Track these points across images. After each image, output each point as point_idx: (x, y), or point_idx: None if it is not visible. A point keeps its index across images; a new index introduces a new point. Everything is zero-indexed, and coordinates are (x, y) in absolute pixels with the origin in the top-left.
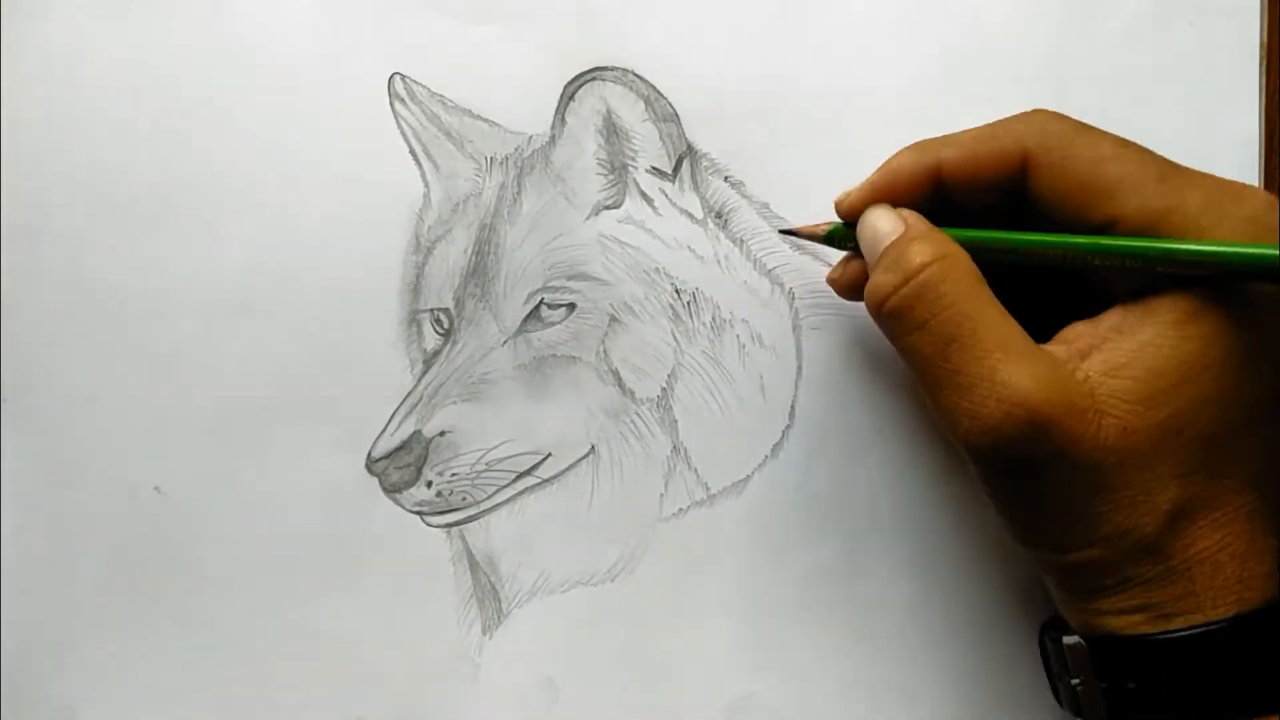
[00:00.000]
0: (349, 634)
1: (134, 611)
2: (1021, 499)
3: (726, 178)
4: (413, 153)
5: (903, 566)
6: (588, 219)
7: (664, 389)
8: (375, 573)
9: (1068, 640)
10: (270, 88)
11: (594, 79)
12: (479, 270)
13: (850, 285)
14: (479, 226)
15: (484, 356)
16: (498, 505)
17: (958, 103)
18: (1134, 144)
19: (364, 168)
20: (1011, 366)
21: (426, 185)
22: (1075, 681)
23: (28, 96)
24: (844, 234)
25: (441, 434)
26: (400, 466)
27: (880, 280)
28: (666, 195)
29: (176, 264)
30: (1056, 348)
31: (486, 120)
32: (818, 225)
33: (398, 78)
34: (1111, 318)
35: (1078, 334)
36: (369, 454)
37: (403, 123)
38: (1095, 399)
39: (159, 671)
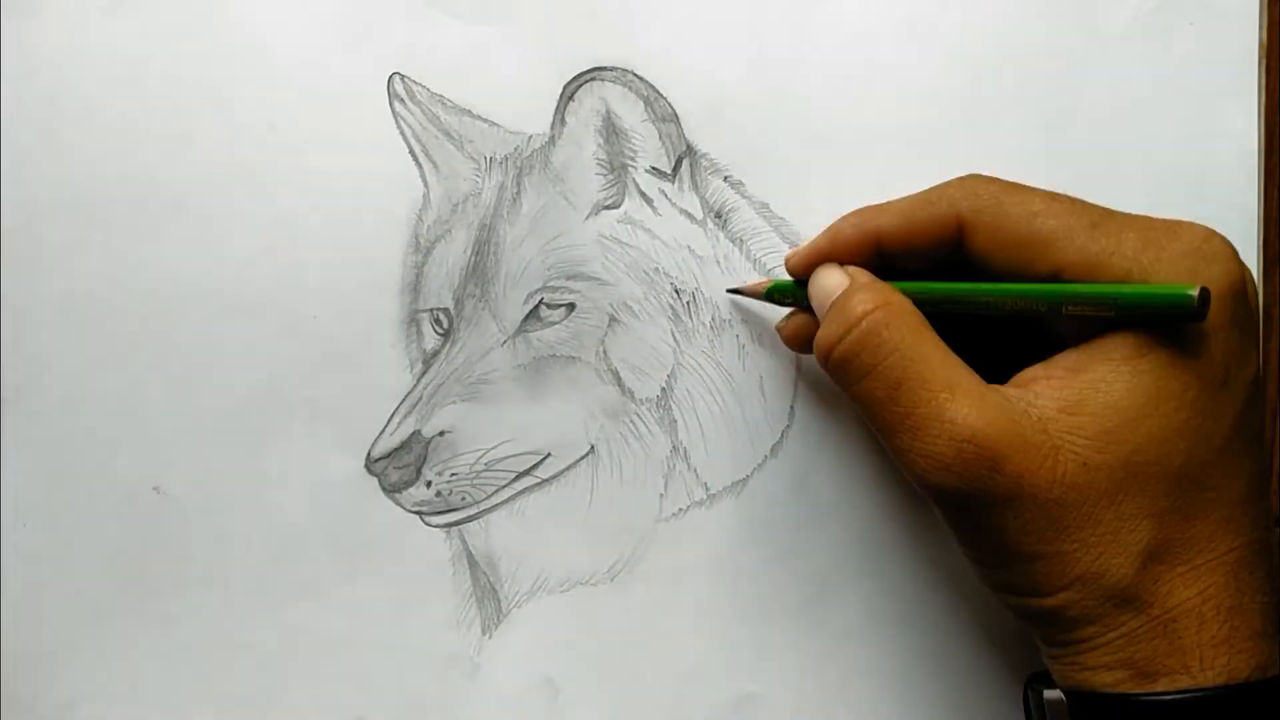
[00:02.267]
0: (348, 634)
1: (132, 611)
2: (986, 540)
3: (726, 178)
4: (412, 153)
5: (903, 568)
6: (587, 219)
7: (663, 389)
8: (374, 573)
9: (1048, 695)
10: (270, 87)
11: (593, 79)
12: (478, 270)
13: (795, 336)
14: (478, 226)
15: (483, 356)
16: (497, 505)
17: (957, 103)
18: (1064, 196)
19: (363, 167)
20: (959, 404)
21: (426, 185)
22: None
23: (26, 93)
24: (784, 290)
25: (441, 434)
26: (400, 466)
27: (826, 332)
28: (666, 195)
29: (176, 263)
30: (1009, 389)
31: (486, 120)
32: (759, 283)
33: (397, 78)
34: (1065, 359)
35: (1031, 376)
36: (368, 454)
37: (402, 123)
38: (1050, 435)
39: (157, 671)
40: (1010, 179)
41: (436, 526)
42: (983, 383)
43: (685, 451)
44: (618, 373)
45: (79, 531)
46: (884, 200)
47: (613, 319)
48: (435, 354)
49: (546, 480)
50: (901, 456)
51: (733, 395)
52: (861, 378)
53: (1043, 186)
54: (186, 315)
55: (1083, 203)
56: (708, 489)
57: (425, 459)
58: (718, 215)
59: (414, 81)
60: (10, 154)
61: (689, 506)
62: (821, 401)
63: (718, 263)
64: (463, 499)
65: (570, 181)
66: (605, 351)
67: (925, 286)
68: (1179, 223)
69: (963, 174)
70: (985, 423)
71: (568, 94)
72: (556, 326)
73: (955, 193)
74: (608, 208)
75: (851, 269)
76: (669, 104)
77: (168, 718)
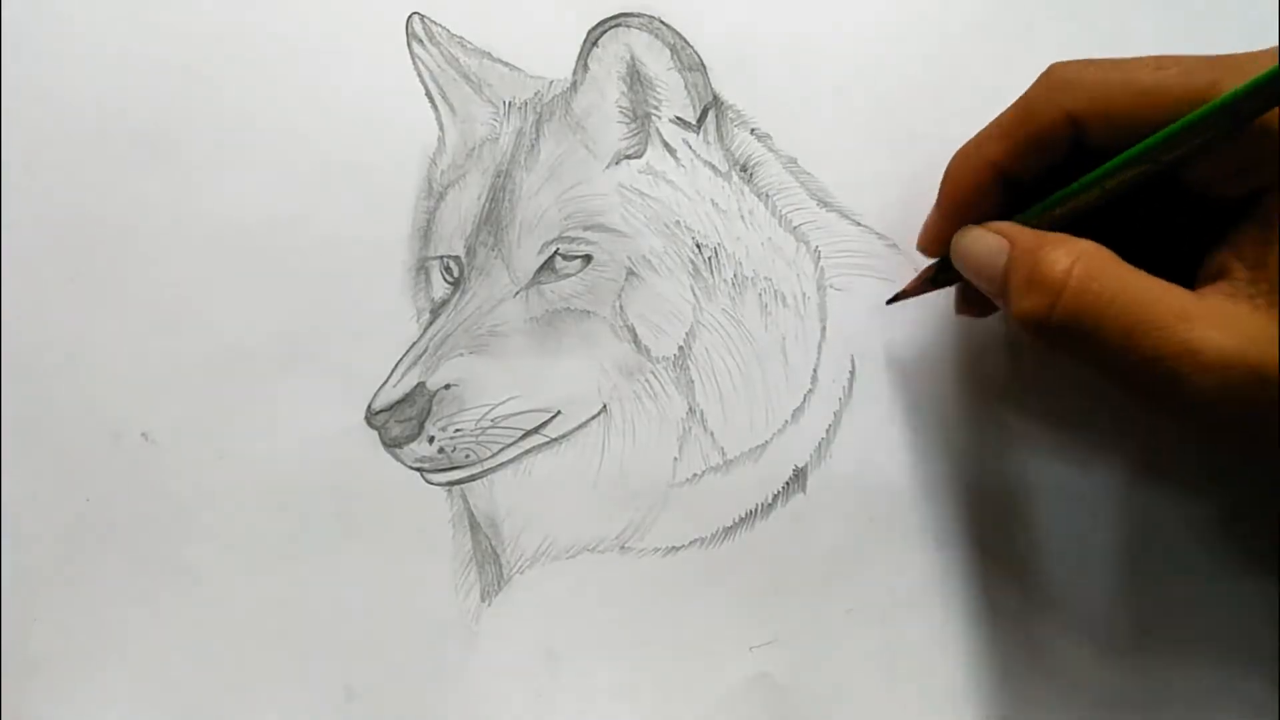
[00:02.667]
0: (340, 596)
1: (111, 562)
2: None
3: (753, 130)
4: (429, 95)
5: (924, 543)
6: (607, 168)
7: (681, 348)
8: (370, 532)
9: None
10: (282, 22)
11: (619, 25)
12: (492, 218)
13: (970, 307)
14: (494, 173)
15: (494, 308)
16: (503, 464)
17: (994, 51)
18: (1165, 58)
19: (377, 108)
20: (1202, 330)
21: (441, 129)
22: None
23: (27, 24)
24: (943, 269)
25: (447, 387)
26: (402, 420)
27: (1028, 305)
28: (690, 146)
29: (176, 202)
30: (1223, 290)
31: (506, 64)
32: (915, 281)
33: (416, 17)
34: (1247, 233)
35: (1225, 265)
36: (369, 406)
37: (420, 64)
38: None
39: (136, 627)
40: None
41: (437, 485)
42: (1201, 298)
43: (702, 414)
44: (634, 329)
45: (59, 475)
46: (919, 151)
47: (630, 273)
48: (444, 304)
49: (555, 440)
50: (1164, 402)
51: (753, 356)
52: (1088, 337)
53: None
54: (184, 255)
55: (1187, 57)
56: (724, 454)
57: (429, 413)
58: (743, 169)
59: (433, 22)
60: (10, 85)
61: (704, 472)
62: (845, 366)
63: (742, 217)
64: (466, 456)
65: (591, 129)
66: (622, 306)
67: (1073, 190)
68: None
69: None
70: (1236, 338)
71: (592, 39)
72: (572, 279)
73: (1051, 91)
74: (629, 157)
75: (998, 225)
76: (696, 52)
77: (143, 676)
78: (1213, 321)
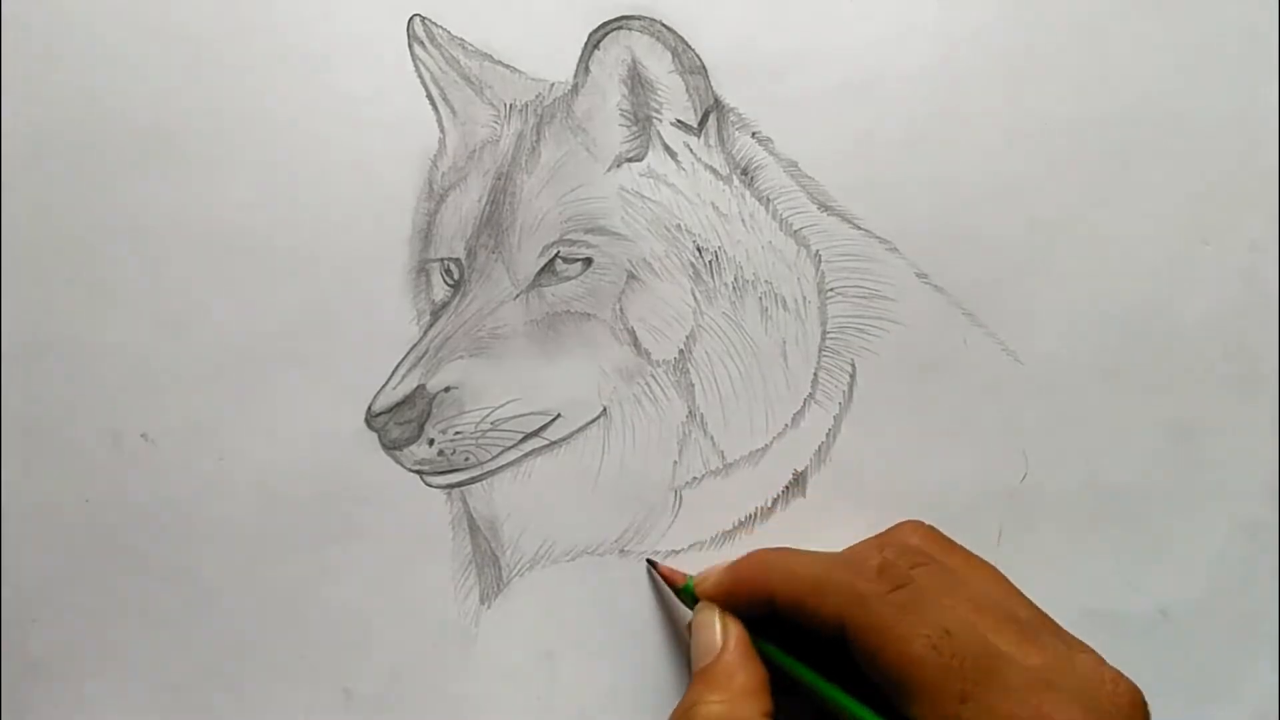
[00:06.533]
0: (339, 598)
1: (110, 562)
2: None
3: (754, 134)
4: (430, 97)
5: None
6: (608, 171)
7: (681, 351)
8: (370, 534)
9: None
10: (284, 24)
11: (620, 27)
12: (493, 220)
13: None
14: (495, 175)
15: (494, 310)
16: (502, 467)
17: (994, 55)
18: (955, 640)
19: (378, 110)
20: None
21: (442, 131)
22: None
23: (29, 21)
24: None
25: (446, 390)
26: (402, 422)
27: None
28: (691, 150)
29: (176, 202)
30: None
31: (507, 66)
32: (678, 575)
33: (418, 19)
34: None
35: None
36: (369, 408)
37: (421, 66)
38: None
39: (136, 627)
40: (1047, 133)
41: (437, 487)
42: None
43: (702, 417)
44: (634, 332)
45: (59, 475)
46: (920, 156)
47: (631, 276)
48: (444, 306)
49: (555, 443)
50: None
51: (754, 360)
52: None
53: (1073, 141)
54: (184, 255)
55: (968, 656)
56: (724, 457)
57: (429, 415)
58: (744, 172)
59: (435, 24)
60: (10, 85)
61: (704, 475)
62: (846, 370)
63: (742, 221)
64: (466, 459)
65: (592, 132)
66: (622, 310)
67: (797, 670)
68: (1053, 709)
69: (899, 519)
70: None
71: (593, 42)
72: (572, 281)
73: (845, 596)
74: (630, 160)
75: (730, 633)
76: (697, 55)
77: (143, 676)
78: None
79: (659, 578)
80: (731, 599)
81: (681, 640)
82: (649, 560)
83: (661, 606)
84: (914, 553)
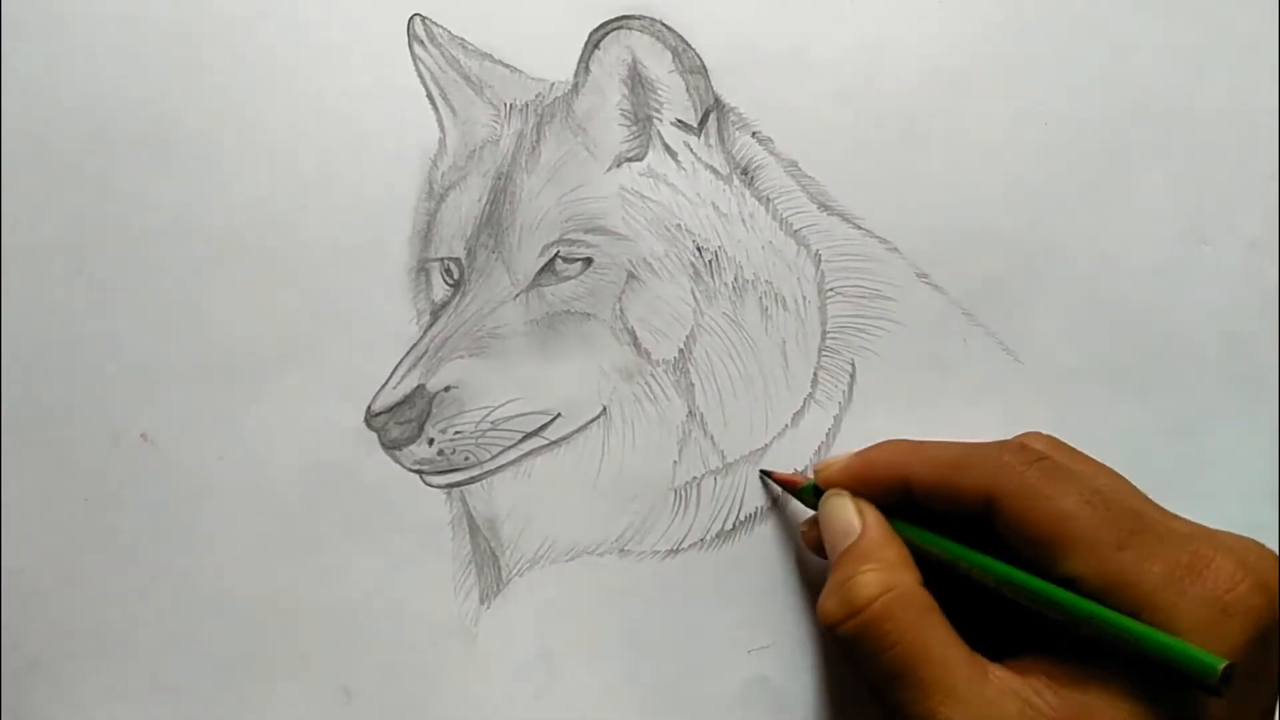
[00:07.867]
0: (339, 598)
1: (109, 564)
2: None
3: (754, 133)
4: (430, 96)
5: None
6: (608, 171)
7: (681, 351)
8: (369, 534)
9: None
10: (283, 23)
11: (620, 27)
12: (493, 220)
13: (817, 547)
14: (495, 175)
15: (494, 310)
16: (502, 467)
17: (995, 57)
18: (1103, 499)
19: (378, 110)
20: (951, 709)
21: (442, 130)
22: None
23: (27, 26)
24: (817, 494)
25: (446, 389)
26: (401, 422)
27: (828, 608)
28: (691, 149)
29: (176, 202)
30: (1010, 679)
31: (507, 65)
32: (798, 477)
33: (418, 19)
34: (1070, 668)
35: (1035, 665)
36: (369, 408)
37: (421, 65)
38: None
39: (136, 627)
40: (1047, 133)
41: (437, 487)
42: (982, 679)
43: (702, 417)
44: (634, 332)
45: (59, 475)
46: (921, 155)
47: (631, 276)
48: (444, 305)
49: (555, 442)
50: None
51: (754, 360)
52: (860, 661)
53: (1073, 140)
54: (183, 255)
55: (1120, 511)
56: (724, 457)
57: (428, 415)
58: (744, 172)
59: (435, 23)
60: (10, 85)
61: (704, 475)
62: (846, 370)
63: (743, 221)
64: (466, 459)
65: (592, 132)
66: (622, 309)
67: (940, 545)
68: (1209, 559)
69: (1014, 434)
70: None
71: (593, 42)
72: (572, 281)
73: (990, 468)
74: (630, 160)
75: (866, 511)
76: (697, 55)
77: (143, 676)
78: (969, 707)
79: (775, 485)
80: (863, 485)
81: (683, 641)
82: (763, 471)
83: (661, 606)
84: (1044, 445)
